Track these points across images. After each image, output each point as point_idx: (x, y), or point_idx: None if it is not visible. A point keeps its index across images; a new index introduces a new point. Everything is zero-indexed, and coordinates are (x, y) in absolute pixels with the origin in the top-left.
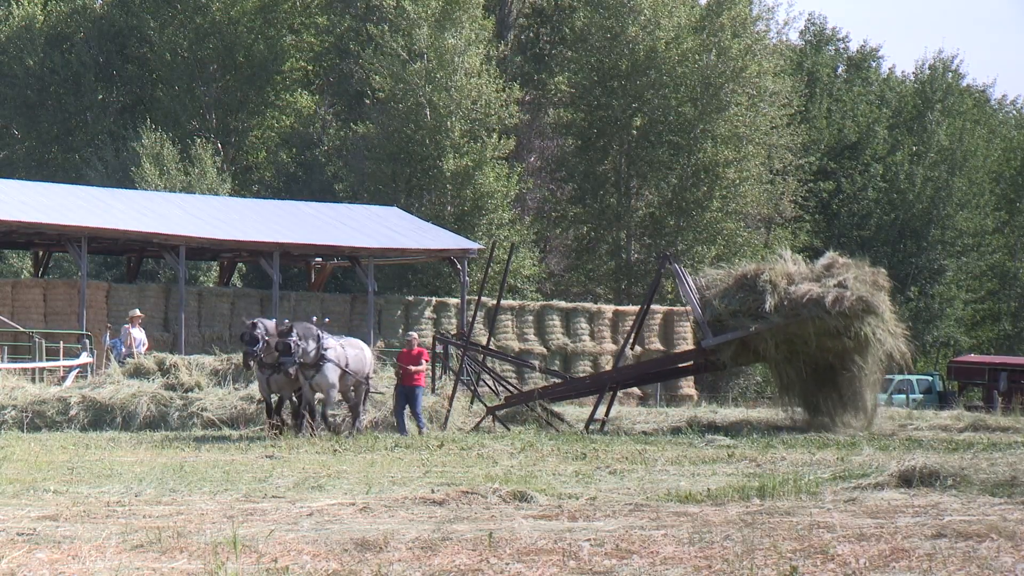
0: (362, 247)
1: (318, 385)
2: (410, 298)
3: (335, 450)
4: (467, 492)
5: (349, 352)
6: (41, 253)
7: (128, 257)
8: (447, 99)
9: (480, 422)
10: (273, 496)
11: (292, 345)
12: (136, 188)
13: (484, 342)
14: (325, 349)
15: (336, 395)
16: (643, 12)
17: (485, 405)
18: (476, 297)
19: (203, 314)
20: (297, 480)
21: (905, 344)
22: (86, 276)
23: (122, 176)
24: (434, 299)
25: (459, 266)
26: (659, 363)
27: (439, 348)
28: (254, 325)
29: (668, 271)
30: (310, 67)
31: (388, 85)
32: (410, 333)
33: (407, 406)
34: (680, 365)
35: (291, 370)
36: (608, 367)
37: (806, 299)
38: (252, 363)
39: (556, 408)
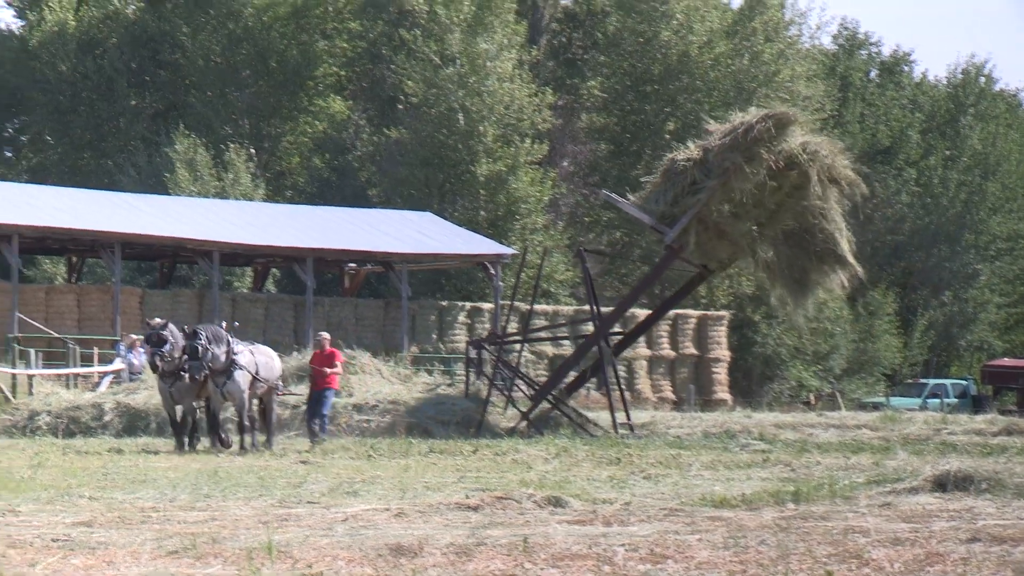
0: (396, 252)
1: (230, 393)
2: (444, 303)
3: (369, 455)
4: (502, 497)
5: (259, 358)
6: (75, 259)
7: (162, 263)
8: (480, 104)
9: (515, 427)
10: (308, 501)
11: (200, 348)
12: (169, 194)
13: (517, 347)
14: (235, 354)
15: (248, 401)
16: (676, 17)
17: (519, 410)
18: (509, 302)
19: (237, 319)
20: (332, 485)
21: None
22: (120, 282)
23: (155, 182)
24: (468, 304)
25: (492, 271)
26: (643, 283)
27: (472, 353)
28: (162, 325)
29: (587, 263)
30: (343, 72)
31: (421, 90)
32: (320, 333)
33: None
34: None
35: (199, 377)
36: (642, 372)
37: (723, 147)
38: (159, 366)
39: (589, 414)
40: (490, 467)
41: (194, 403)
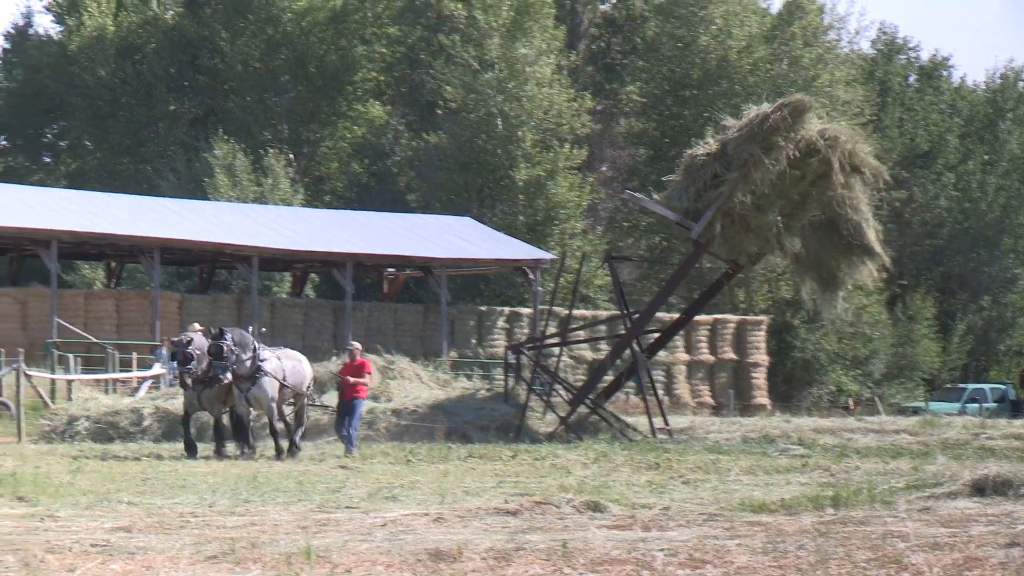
0: (435, 257)
1: (255, 400)
2: (483, 308)
3: (408, 460)
4: (541, 502)
5: (286, 364)
6: (114, 264)
7: (201, 268)
8: (519, 109)
9: (554, 432)
10: (347, 506)
11: (225, 349)
12: (208, 199)
13: (556, 352)
14: (261, 360)
15: (276, 408)
16: (714, 21)
17: (558, 415)
18: (548, 307)
19: (276, 325)
20: (371, 490)
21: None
22: (159, 287)
23: (194, 187)
24: (507, 309)
25: (531, 276)
26: (672, 281)
27: (511, 358)
28: (187, 343)
29: (616, 267)
30: (382, 77)
31: (460, 95)
32: (352, 343)
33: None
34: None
35: (225, 379)
36: (681, 377)
37: (740, 139)
38: (188, 382)
39: (627, 418)
40: (529, 472)
41: (222, 409)
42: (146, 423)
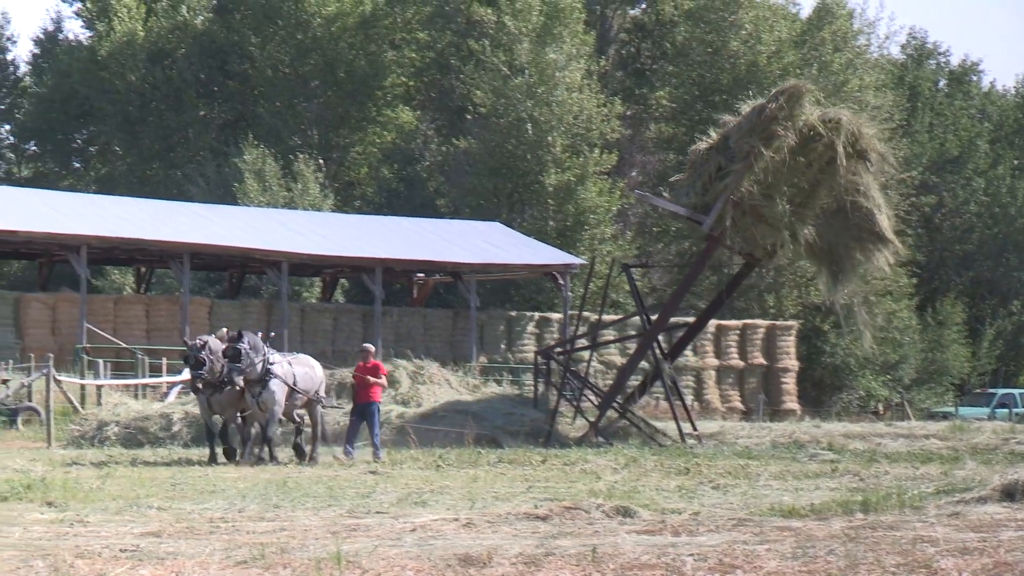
0: (464, 262)
1: (264, 403)
2: (512, 313)
3: (438, 465)
4: (570, 507)
5: (297, 370)
6: (143, 269)
7: (230, 273)
8: (548, 114)
9: (583, 437)
10: (376, 512)
11: (243, 352)
12: (238, 204)
13: (586, 357)
14: (271, 364)
15: (279, 413)
16: (744, 27)
17: (587, 420)
18: (578, 312)
19: (305, 330)
20: (400, 496)
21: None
22: (188, 292)
23: (224, 192)
24: (536, 314)
25: (561, 281)
26: (688, 278)
27: (541, 363)
28: (200, 346)
29: (632, 273)
30: (411, 83)
31: (489, 100)
32: (365, 344)
33: (362, 425)
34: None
35: (238, 381)
36: (711, 383)
37: (740, 131)
38: (200, 387)
39: (657, 424)
40: (559, 477)
41: (237, 414)
42: (176, 428)
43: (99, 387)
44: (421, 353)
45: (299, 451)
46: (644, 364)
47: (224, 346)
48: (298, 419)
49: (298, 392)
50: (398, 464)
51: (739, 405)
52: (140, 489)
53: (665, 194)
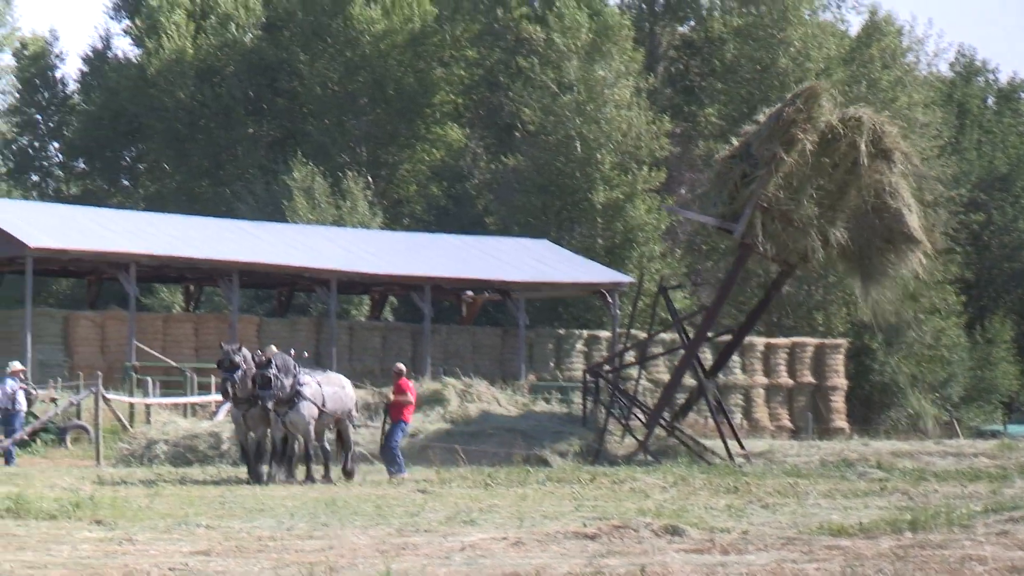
0: (513, 280)
1: (292, 424)
2: (561, 331)
3: (487, 484)
4: (619, 526)
5: (327, 390)
6: (192, 287)
7: (279, 291)
8: (597, 131)
9: (632, 455)
10: (425, 530)
11: (272, 378)
12: (287, 222)
13: (635, 375)
14: (301, 385)
15: (313, 433)
16: (793, 44)
17: (636, 438)
18: (626, 330)
19: (354, 348)
20: (449, 514)
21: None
22: (237, 310)
23: (273, 210)
24: (585, 332)
25: (610, 299)
26: (723, 289)
27: (590, 381)
28: (234, 351)
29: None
30: (460, 100)
31: (538, 118)
32: (397, 365)
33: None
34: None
35: (269, 404)
36: (760, 401)
37: (761, 137)
38: (231, 392)
39: (705, 442)
40: (607, 495)
41: (268, 431)
42: (224, 447)
43: (148, 405)
44: (470, 371)
45: (348, 474)
46: (693, 382)
47: (257, 361)
48: (329, 441)
49: (326, 412)
50: (447, 483)
51: (788, 423)
52: (189, 507)
53: (694, 207)
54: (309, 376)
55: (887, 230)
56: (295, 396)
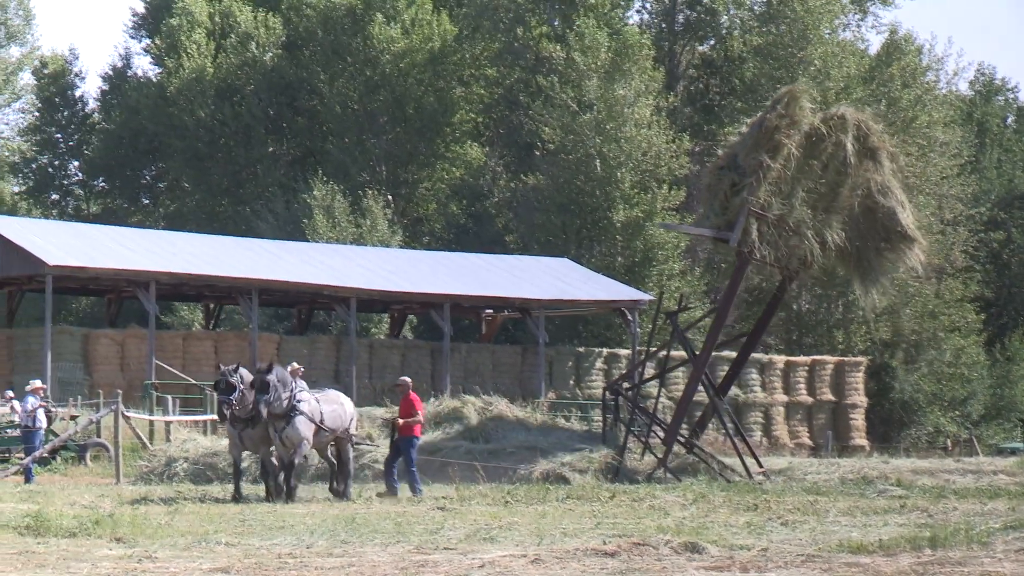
0: (533, 298)
1: (288, 439)
2: (581, 349)
3: (506, 501)
4: (639, 544)
5: (325, 407)
6: (212, 305)
7: (299, 309)
8: (617, 150)
9: (652, 473)
10: (445, 548)
11: (270, 384)
12: (307, 240)
13: (655, 393)
14: (298, 401)
15: (306, 449)
16: (813, 63)
17: (656, 456)
18: (646, 348)
19: (374, 366)
20: (468, 532)
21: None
22: (257, 328)
23: (293, 228)
24: (605, 350)
25: (630, 317)
26: (725, 301)
27: (609, 399)
28: (231, 371)
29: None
30: (480, 119)
31: (558, 136)
32: (402, 378)
33: (398, 460)
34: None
35: (261, 408)
36: (780, 419)
37: (745, 147)
38: (227, 414)
39: (725, 459)
40: (627, 513)
41: (268, 449)
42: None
43: (168, 423)
44: (490, 389)
45: (335, 493)
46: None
47: (259, 367)
48: (332, 458)
49: (324, 429)
50: (466, 500)
51: (808, 441)
52: (209, 525)
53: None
54: (307, 393)
55: (883, 230)
56: (291, 411)
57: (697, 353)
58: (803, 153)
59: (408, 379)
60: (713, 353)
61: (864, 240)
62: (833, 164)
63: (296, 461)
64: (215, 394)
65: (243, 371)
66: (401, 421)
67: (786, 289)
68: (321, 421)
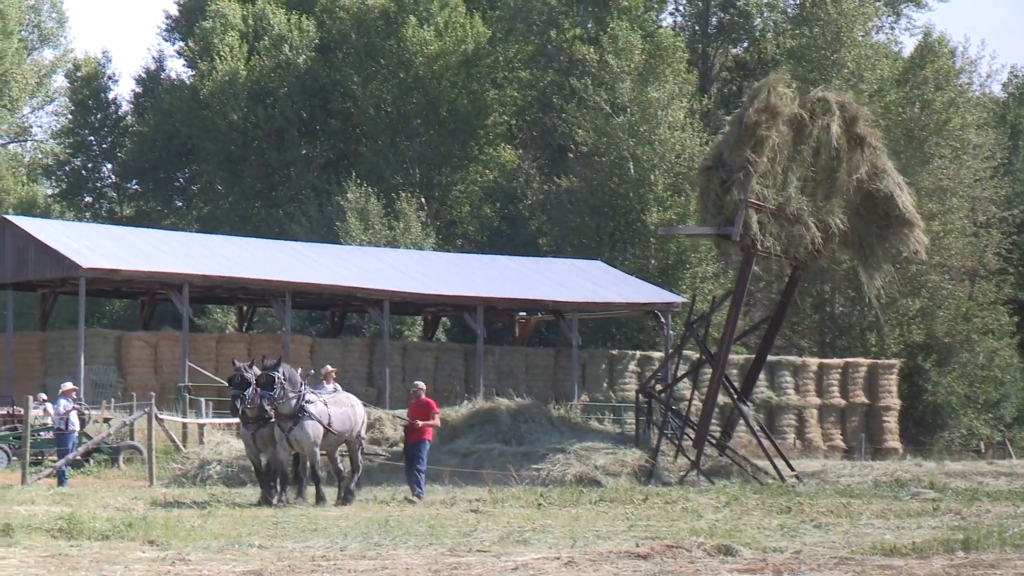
0: (566, 301)
1: (297, 441)
2: (614, 352)
3: (539, 504)
4: (672, 546)
5: (334, 410)
6: (245, 308)
7: (332, 312)
8: (650, 152)
9: (684, 475)
10: (478, 550)
11: (276, 379)
12: (340, 243)
13: (688, 395)
14: (306, 402)
15: (316, 452)
16: (847, 65)
17: (689, 459)
18: (675, 350)
19: (407, 368)
20: (502, 534)
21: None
22: (290, 331)
23: (326, 231)
24: (638, 353)
25: (663, 319)
26: (737, 297)
27: (642, 401)
28: (246, 368)
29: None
30: (513, 121)
31: (591, 139)
32: (417, 383)
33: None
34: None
35: (269, 412)
36: (813, 421)
37: (731, 145)
38: (240, 410)
39: (759, 462)
40: (660, 515)
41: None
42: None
43: (201, 426)
44: (523, 392)
45: (347, 493)
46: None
47: (265, 363)
48: (339, 461)
49: (333, 432)
50: (499, 502)
51: (841, 443)
52: (242, 527)
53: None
54: (316, 395)
55: (883, 216)
56: (299, 412)
57: (714, 354)
58: (791, 140)
59: (422, 384)
60: (746, 356)
61: (866, 225)
62: (824, 149)
63: (319, 471)
64: (231, 388)
65: (257, 369)
66: (419, 424)
67: (797, 281)
68: (329, 424)
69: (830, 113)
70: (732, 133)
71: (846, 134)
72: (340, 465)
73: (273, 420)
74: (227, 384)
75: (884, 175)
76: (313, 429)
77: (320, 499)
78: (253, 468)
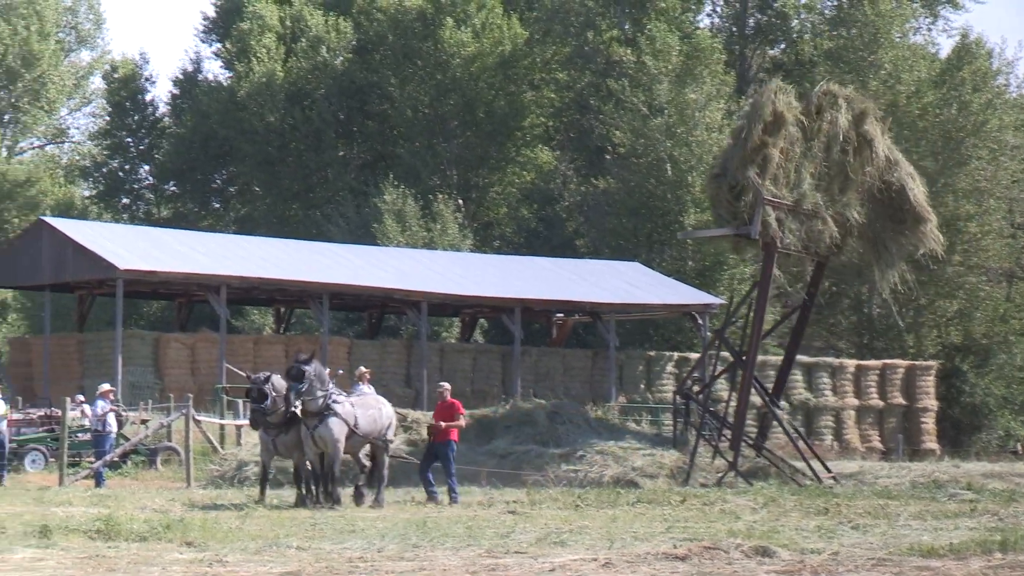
0: (603, 302)
1: (322, 439)
2: (651, 353)
3: (577, 505)
4: (709, 547)
5: (360, 411)
6: (283, 309)
7: (370, 313)
8: (688, 154)
9: (722, 477)
10: (515, 551)
11: (306, 373)
12: (378, 244)
13: (725, 397)
14: (333, 402)
15: (340, 451)
16: (884, 67)
17: (726, 460)
18: (716, 352)
19: (445, 370)
20: (539, 535)
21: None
22: (328, 332)
23: (363, 232)
24: (675, 354)
25: (700, 321)
26: (760, 298)
27: (680, 403)
28: (264, 379)
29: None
30: (550, 123)
31: (629, 140)
32: (441, 383)
33: (435, 465)
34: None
35: (294, 400)
36: (851, 423)
37: (736, 160)
38: (259, 422)
39: (796, 463)
40: (698, 517)
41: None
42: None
43: (238, 427)
44: (560, 393)
45: (358, 494)
46: (786, 405)
47: (297, 357)
48: (364, 461)
49: (358, 433)
50: (537, 504)
51: (879, 445)
52: (279, 529)
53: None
54: (343, 396)
55: (897, 210)
56: (325, 410)
57: (744, 357)
58: (801, 136)
59: (447, 384)
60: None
61: (881, 222)
62: (834, 142)
63: (336, 470)
64: (249, 401)
65: (275, 379)
66: (443, 425)
67: (821, 277)
68: (355, 424)
69: (837, 106)
70: (737, 148)
71: (855, 128)
72: (364, 461)
73: (299, 416)
74: (246, 396)
75: (896, 167)
76: (338, 427)
77: (335, 500)
78: (261, 468)
